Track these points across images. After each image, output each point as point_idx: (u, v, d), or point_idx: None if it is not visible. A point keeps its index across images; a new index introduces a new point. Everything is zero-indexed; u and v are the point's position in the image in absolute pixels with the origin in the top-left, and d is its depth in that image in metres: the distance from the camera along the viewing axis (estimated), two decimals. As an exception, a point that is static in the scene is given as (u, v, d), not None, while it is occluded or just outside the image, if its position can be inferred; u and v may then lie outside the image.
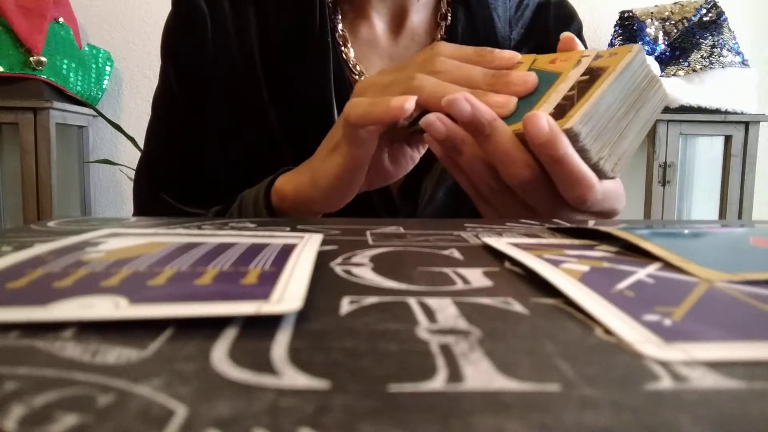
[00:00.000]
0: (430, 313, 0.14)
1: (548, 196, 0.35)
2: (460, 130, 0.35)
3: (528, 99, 0.36)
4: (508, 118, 0.35)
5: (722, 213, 1.73)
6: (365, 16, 0.53)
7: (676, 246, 0.22)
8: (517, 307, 0.15)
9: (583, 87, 0.34)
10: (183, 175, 0.52)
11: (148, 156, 0.55)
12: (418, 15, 0.54)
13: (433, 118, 0.35)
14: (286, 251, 0.20)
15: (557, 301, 0.15)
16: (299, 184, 0.41)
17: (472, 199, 0.39)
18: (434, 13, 0.55)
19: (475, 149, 0.35)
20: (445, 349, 0.12)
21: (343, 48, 0.52)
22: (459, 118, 0.34)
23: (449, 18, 0.54)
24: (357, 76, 0.51)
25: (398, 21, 0.54)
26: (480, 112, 0.33)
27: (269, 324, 0.13)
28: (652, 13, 1.72)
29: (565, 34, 0.39)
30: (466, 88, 0.36)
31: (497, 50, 0.38)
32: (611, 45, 1.78)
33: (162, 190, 0.52)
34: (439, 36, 0.54)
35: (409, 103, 0.34)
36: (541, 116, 0.31)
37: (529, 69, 0.38)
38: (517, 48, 0.55)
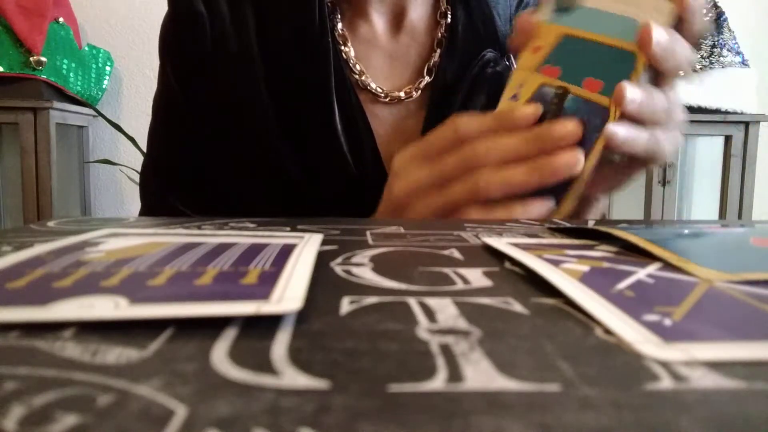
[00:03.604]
0: (430, 313, 0.14)
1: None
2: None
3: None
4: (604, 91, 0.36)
5: (722, 213, 1.73)
6: (364, 14, 0.53)
7: (676, 246, 0.22)
8: (517, 307, 0.15)
9: None
10: (187, 174, 0.52)
11: (152, 158, 0.54)
12: (417, 13, 0.54)
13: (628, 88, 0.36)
14: (286, 251, 0.20)
15: (557, 301, 0.15)
16: None
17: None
18: (434, 11, 0.55)
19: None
20: (445, 349, 0.12)
21: (342, 47, 0.52)
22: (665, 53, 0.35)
23: (449, 16, 0.54)
24: (357, 75, 0.51)
25: (397, 19, 0.54)
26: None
27: (269, 324, 0.13)
28: (652, 13, 1.72)
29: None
30: (522, 163, 0.36)
31: (515, 111, 0.38)
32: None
33: (169, 191, 0.52)
34: (440, 34, 0.54)
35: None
36: None
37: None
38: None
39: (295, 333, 0.12)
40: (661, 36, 0.35)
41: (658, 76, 0.37)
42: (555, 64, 0.39)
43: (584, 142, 0.37)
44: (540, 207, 0.37)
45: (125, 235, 0.24)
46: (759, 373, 0.11)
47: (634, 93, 0.35)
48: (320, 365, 0.11)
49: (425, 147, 0.40)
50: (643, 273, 0.18)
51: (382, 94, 0.52)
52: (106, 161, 1.75)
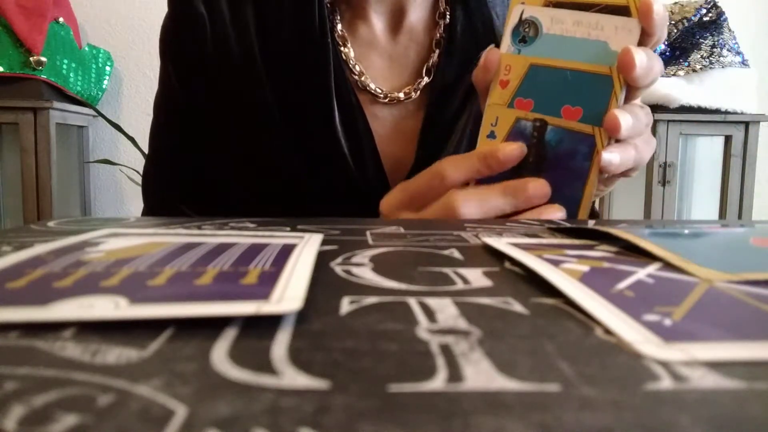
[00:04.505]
0: (430, 313, 0.14)
1: None
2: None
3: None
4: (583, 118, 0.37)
5: (722, 213, 1.73)
6: (363, 15, 0.53)
7: (676, 246, 0.22)
8: (517, 307, 0.15)
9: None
10: (189, 175, 0.52)
11: (154, 158, 0.54)
12: (417, 14, 0.54)
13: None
14: (286, 251, 0.20)
15: (557, 301, 0.15)
16: None
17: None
18: (433, 12, 0.55)
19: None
20: (445, 349, 0.12)
21: (342, 48, 0.52)
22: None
23: (448, 17, 0.54)
24: (356, 76, 0.51)
25: (397, 20, 0.54)
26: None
27: (269, 324, 0.13)
28: (652, 13, 1.72)
29: None
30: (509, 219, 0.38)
31: (499, 151, 0.38)
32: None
33: (171, 192, 0.52)
34: (439, 35, 0.54)
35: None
36: None
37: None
38: None
39: (295, 333, 0.12)
40: (642, 59, 0.35)
41: (630, 89, 0.37)
42: (527, 96, 0.38)
43: (577, 171, 0.37)
44: (552, 216, 0.38)
45: (125, 235, 0.24)
46: (759, 373, 0.11)
47: (626, 120, 0.36)
48: (320, 365, 0.11)
49: (412, 194, 0.40)
50: (643, 273, 0.18)
51: (382, 95, 0.52)
52: (106, 161, 1.75)
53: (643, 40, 0.36)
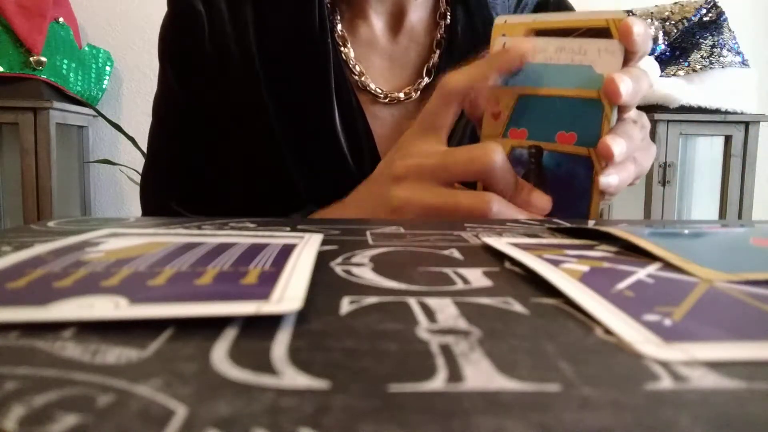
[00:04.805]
0: (430, 313, 0.14)
1: None
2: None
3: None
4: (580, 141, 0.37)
5: (722, 213, 1.73)
6: (364, 15, 0.53)
7: (676, 246, 0.22)
8: (517, 307, 0.15)
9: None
10: (188, 176, 0.52)
11: (153, 160, 0.54)
12: (417, 14, 0.54)
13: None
14: (286, 251, 0.20)
15: (557, 301, 0.15)
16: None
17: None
18: (433, 12, 0.55)
19: None
20: (445, 349, 0.12)
21: (342, 48, 0.52)
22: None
23: (448, 17, 0.54)
24: (356, 76, 0.51)
25: (397, 20, 0.54)
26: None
27: (269, 324, 0.13)
28: (652, 13, 1.72)
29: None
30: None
31: (534, 198, 0.38)
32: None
33: (170, 193, 0.52)
34: (439, 35, 0.54)
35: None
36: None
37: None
38: None
39: (295, 333, 0.12)
40: (627, 85, 0.35)
41: (621, 105, 0.37)
42: (520, 126, 0.39)
43: (580, 192, 0.37)
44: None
45: (125, 235, 0.24)
46: (759, 373, 0.11)
47: (619, 146, 0.35)
48: (320, 365, 0.11)
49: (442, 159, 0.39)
50: (643, 273, 0.18)
51: (382, 95, 0.52)
52: (106, 161, 1.75)
53: (627, 56, 0.36)
